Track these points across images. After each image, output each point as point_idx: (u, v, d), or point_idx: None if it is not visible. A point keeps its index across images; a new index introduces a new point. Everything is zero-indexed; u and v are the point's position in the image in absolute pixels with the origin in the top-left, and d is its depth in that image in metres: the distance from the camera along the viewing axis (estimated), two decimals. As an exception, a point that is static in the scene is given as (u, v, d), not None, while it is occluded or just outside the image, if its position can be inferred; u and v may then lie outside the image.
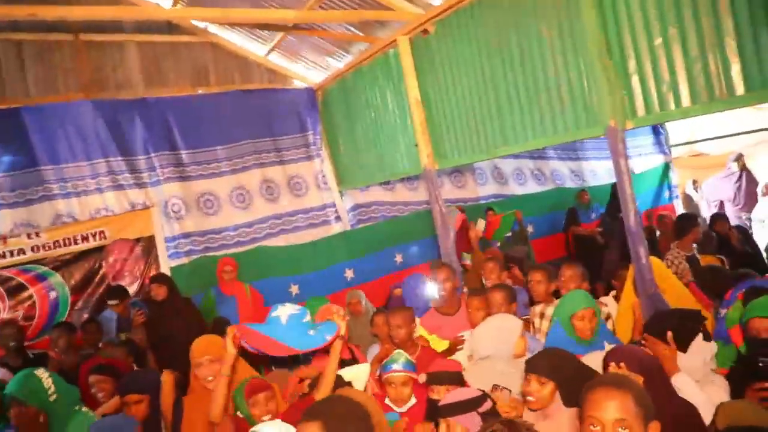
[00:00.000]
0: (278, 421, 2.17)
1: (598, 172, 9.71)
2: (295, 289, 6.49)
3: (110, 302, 5.44)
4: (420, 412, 2.73)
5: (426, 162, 5.44)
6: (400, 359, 2.82)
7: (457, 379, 2.69)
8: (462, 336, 3.77)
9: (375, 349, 4.00)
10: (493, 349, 3.05)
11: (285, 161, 7.24)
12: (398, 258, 7.02)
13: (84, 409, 2.87)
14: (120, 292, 5.57)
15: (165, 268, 6.17)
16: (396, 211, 7.72)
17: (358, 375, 2.94)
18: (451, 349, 3.71)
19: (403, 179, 7.81)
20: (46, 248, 5.84)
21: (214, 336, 3.11)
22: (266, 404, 2.69)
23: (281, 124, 7.25)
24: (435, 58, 5.27)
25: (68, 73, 6.59)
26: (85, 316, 5.80)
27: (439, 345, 3.86)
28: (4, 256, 5.65)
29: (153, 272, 6.11)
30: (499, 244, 6.94)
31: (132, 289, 6.12)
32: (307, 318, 2.88)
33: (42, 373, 2.81)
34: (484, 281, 4.70)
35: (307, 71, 7.52)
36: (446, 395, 2.31)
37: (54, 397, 2.74)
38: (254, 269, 6.24)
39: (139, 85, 6.92)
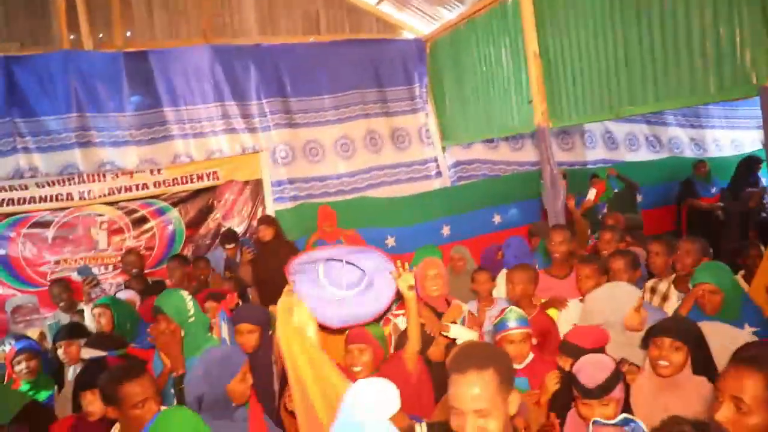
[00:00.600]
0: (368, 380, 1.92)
1: (722, 142, 8.89)
2: (391, 241, 6.54)
3: (227, 246, 5.72)
4: (539, 369, 2.66)
5: (540, 120, 5.19)
6: (513, 316, 2.73)
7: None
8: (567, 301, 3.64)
9: (472, 306, 3.95)
10: (605, 318, 2.91)
11: (390, 113, 7.21)
12: (496, 218, 6.85)
13: (215, 337, 3.03)
14: (234, 236, 5.88)
15: (270, 211, 6.42)
16: (498, 171, 7.53)
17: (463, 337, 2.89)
18: (547, 305, 3.61)
19: (508, 138, 7.56)
20: (166, 184, 6.25)
21: None
22: (359, 356, 2.70)
23: (388, 76, 7.20)
24: (558, 6, 4.94)
25: (190, 18, 6.85)
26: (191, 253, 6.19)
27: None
28: (130, 189, 6.11)
29: (259, 214, 6.37)
30: (605, 209, 6.61)
31: (239, 230, 6.45)
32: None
33: (186, 295, 3.00)
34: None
35: (417, 22, 7.34)
36: (584, 372, 2.12)
37: (192, 319, 2.92)
38: (353, 219, 6.34)
39: (254, 32, 7.07)
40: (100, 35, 6.53)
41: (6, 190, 5.76)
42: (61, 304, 4.86)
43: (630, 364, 2.63)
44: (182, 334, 2.85)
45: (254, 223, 6.27)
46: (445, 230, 6.67)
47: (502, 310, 2.82)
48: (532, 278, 3.54)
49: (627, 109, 4.40)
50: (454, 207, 6.70)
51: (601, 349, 2.49)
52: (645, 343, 2.42)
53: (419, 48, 7.32)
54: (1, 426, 2.57)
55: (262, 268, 5.35)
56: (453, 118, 7.13)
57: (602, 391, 2.04)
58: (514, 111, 5.80)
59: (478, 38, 6.24)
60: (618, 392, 2.08)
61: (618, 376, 2.09)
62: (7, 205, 5.77)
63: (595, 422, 1.96)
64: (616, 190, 6.76)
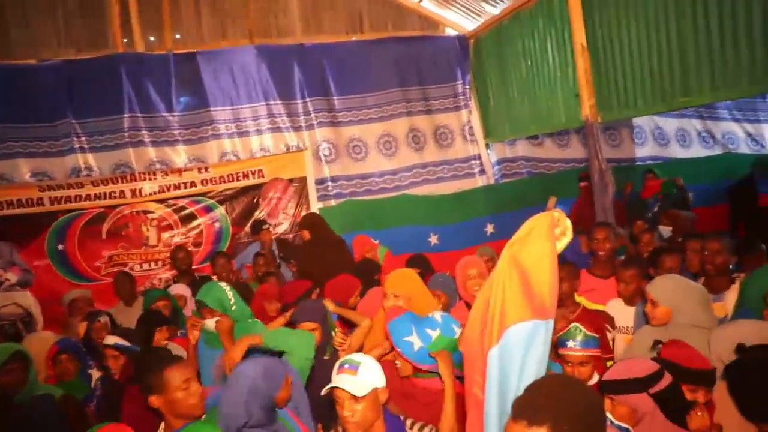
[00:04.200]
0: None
1: (782, 137, 8.49)
2: (434, 240, 6.52)
3: (263, 227, 5.80)
4: None
5: (588, 113, 5.07)
6: (578, 335, 2.49)
7: (707, 380, 2.19)
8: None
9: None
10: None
11: (432, 111, 7.18)
12: (542, 217, 6.73)
13: (257, 321, 3.10)
14: (265, 222, 5.98)
15: (314, 208, 6.47)
16: (543, 168, 7.40)
17: None
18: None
19: (553, 135, 7.42)
20: (213, 182, 6.38)
21: (410, 271, 3.14)
22: None
23: (431, 73, 7.18)
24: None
25: (236, 19, 6.99)
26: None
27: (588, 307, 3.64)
28: (179, 187, 6.27)
29: (304, 212, 6.40)
30: (656, 208, 6.41)
31: (283, 227, 6.53)
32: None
33: (225, 286, 3.09)
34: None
35: (460, 18, 7.29)
36: (612, 368, 2.05)
37: (234, 307, 3.00)
38: (396, 216, 6.35)
39: (298, 31, 7.16)
40: (151, 38, 6.75)
41: (63, 188, 5.99)
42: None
43: None
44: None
45: (299, 221, 6.32)
46: (489, 228, 6.60)
47: (567, 322, 2.65)
48: (575, 275, 3.43)
49: (681, 100, 4.24)
50: (498, 205, 6.62)
51: (708, 373, 2.24)
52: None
53: (462, 45, 7.27)
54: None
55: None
56: (497, 115, 7.04)
57: (610, 387, 1.96)
58: (560, 106, 5.69)
59: (523, 32, 6.15)
60: (637, 401, 1.96)
61: (643, 386, 1.97)
62: (65, 202, 6.01)
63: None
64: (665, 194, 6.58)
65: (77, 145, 6.23)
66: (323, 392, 2.08)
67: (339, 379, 1.99)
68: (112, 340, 3.03)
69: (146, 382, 2.19)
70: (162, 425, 2.22)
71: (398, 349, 2.48)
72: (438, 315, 2.58)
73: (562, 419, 1.22)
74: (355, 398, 1.95)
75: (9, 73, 6.08)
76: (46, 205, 5.94)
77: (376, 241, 5.46)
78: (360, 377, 1.98)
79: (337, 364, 2.08)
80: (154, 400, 2.16)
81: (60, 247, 5.99)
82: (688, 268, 3.70)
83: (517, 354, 1.57)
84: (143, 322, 3.50)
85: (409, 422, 2.08)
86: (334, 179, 6.79)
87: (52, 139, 6.16)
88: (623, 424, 1.89)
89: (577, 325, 2.52)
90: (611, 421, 1.90)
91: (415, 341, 2.46)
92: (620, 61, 4.78)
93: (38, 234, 5.92)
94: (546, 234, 1.63)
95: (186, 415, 2.15)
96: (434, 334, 2.45)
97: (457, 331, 2.50)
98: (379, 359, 2.70)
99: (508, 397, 1.57)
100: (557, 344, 2.55)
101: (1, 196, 5.80)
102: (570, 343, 2.48)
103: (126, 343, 3.03)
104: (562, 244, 1.68)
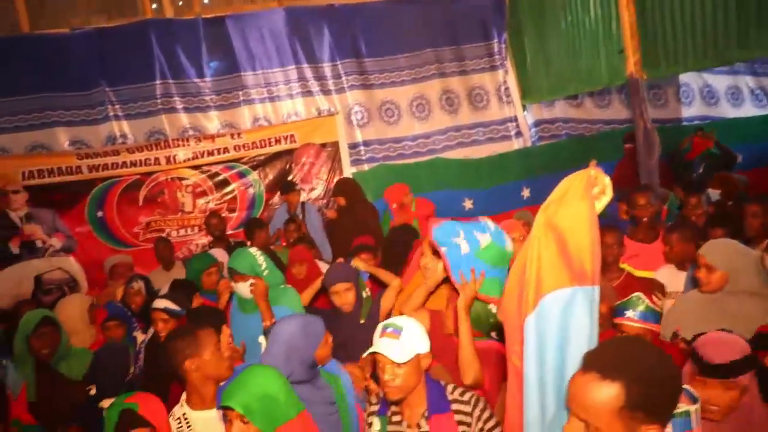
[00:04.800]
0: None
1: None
2: (468, 204, 6.40)
3: (295, 188, 5.84)
4: None
5: (632, 70, 4.81)
6: (639, 305, 2.34)
7: None
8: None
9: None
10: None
11: (467, 71, 6.96)
12: (581, 180, 6.51)
13: (289, 287, 3.11)
14: (295, 183, 6.06)
15: (347, 173, 6.41)
16: (582, 130, 7.14)
17: None
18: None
19: (593, 95, 7.13)
20: (246, 148, 6.36)
21: None
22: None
23: (465, 32, 6.93)
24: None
25: (266, -20, 6.86)
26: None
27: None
28: (212, 153, 6.29)
29: (337, 177, 6.35)
30: (702, 169, 6.14)
31: (317, 192, 6.50)
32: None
33: (255, 251, 3.09)
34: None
35: (495, -28, 7.00)
36: (708, 349, 1.80)
37: (266, 272, 2.99)
38: (430, 180, 6.24)
39: (328, -9, 6.98)
40: (180, 2, 6.68)
41: (101, 156, 6.08)
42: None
43: None
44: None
45: (332, 186, 6.29)
46: (525, 192, 6.45)
47: (623, 284, 2.51)
48: (620, 241, 3.29)
49: (737, 53, 3.95)
50: (534, 168, 6.44)
51: None
52: None
53: (497, 1, 6.97)
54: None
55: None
56: (534, 75, 6.77)
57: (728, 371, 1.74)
58: (602, 63, 5.42)
59: (564, -15, 5.85)
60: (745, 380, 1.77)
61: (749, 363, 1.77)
62: (102, 170, 6.10)
63: None
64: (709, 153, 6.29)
65: (112, 113, 6.29)
66: (363, 356, 2.03)
67: (381, 344, 1.92)
68: (162, 303, 3.02)
69: (180, 348, 2.12)
70: (183, 395, 2.16)
71: (443, 249, 2.28)
72: (491, 222, 2.41)
73: (637, 381, 1.16)
74: (397, 363, 1.90)
75: (43, 42, 6.12)
76: (84, 173, 6.03)
77: None
78: (402, 342, 1.91)
79: (380, 326, 2.01)
80: (190, 364, 2.09)
81: (99, 213, 6.10)
82: (747, 232, 3.51)
83: (554, 322, 1.50)
84: (182, 288, 3.54)
85: (450, 387, 2.01)
86: (366, 143, 6.69)
87: (87, 108, 6.23)
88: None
89: (640, 294, 2.37)
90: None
91: (462, 244, 2.27)
92: (669, 12, 4.48)
93: (78, 201, 6.04)
94: (582, 194, 1.53)
95: (216, 377, 2.09)
96: (483, 239, 2.28)
97: (509, 243, 2.34)
98: (424, 303, 2.61)
99: (547, 367, 1.52)
100: (614, 312, 2.41)
101: (41, 164, 5.92)
102: (629, 313, 2.33)
103: (176, 307, 3.04)
104: (601, 203, 1.57)
